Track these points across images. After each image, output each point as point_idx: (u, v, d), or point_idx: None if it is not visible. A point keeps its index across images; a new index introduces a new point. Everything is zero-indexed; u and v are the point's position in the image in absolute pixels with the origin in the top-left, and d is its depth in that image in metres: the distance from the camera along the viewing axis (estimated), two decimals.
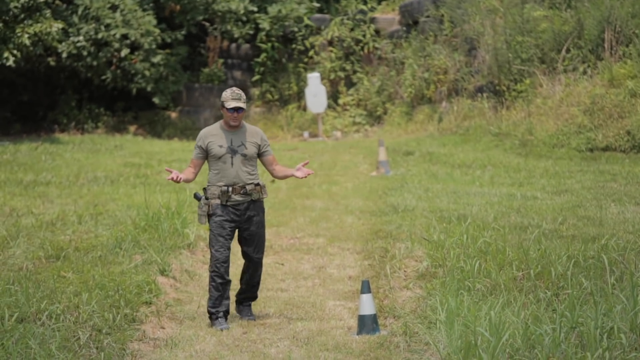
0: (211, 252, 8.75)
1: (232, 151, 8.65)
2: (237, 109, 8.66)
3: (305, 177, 9.01)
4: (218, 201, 8.63)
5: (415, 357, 7.45)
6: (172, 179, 8.58)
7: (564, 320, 7.09)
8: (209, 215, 8.68)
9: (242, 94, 8.81)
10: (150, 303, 9.03)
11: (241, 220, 8.67)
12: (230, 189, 8.62)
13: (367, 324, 8.29)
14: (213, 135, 8.71)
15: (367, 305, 8.31)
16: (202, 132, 8.81)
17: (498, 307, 7.56)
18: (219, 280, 8.73)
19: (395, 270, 10.08)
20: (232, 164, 8.64)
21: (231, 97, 8.66)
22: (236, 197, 8.64)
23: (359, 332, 8.31)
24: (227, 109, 8.65)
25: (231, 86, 27.31)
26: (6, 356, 7.03)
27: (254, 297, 9.01)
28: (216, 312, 8.75)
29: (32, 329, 7.57)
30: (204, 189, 8.77)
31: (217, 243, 8.66)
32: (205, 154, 8.71)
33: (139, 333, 8.20)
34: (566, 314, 7.21)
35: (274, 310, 9.32)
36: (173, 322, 8.83)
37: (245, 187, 8.65)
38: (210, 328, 8.66)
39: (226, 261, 8.72)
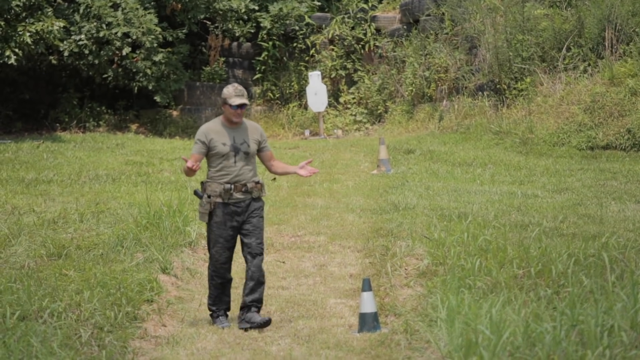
0: (210, 252, 8.68)
1: (236, 149, 8.55)
2: (241, 106, 8.59)
3: (310, 175, 8.93)
4: (219, 199, 8.54)
5: (416, 354, 7.47)
6: (190, 167, 8.43)
7: (564, 318, 7.10)
8: (210, 214, 8.60)
9: (244, 89, 8.74)
10: (152, 301, 9.05)
11: (242, 219, 8.59)
12: (232, 186, 8.55)
13: (368, 321, 8.31)
14: (215, 132, 8.58)
15: (368, 303, 8.33)
16: (204, 127, 8.65)
17: (499, 305, 7.57)
18: (219, 280, 8.70)
19: (396, 268, 10.10)
20: (235, 161, 8.55)
21: (234, 93, 8.56)
22: (238, 195, 8.55)
23: (360, 330, 8.33)
24: (230, 105, 8.56)
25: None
26: (8, 354, 7.05)
27: (261, 301, 8.68)
28: (217, 309, 8.74)
29: (33, 327, 7.59)
30: (202, 183, 8.66)
31: (217, 244, 8.60)
32: (207, 150, 8.59)
33: (141, 331, 8.22)
34: (567, 312, 7.22)
35: (275, 308, 9.34)
36: (174, 320, 8.85)
37: (246, 185, 8.59)
38: (211, 326, 8.68)
39: (227, 262, 8.66)
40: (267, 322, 8.56)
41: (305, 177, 8.91)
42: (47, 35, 22.08)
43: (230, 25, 26.95)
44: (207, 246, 8.83)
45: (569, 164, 17.83)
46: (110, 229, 11.60)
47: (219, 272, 8.67)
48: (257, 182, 8.65)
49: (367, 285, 8.37)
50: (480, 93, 23.02)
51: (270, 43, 27.26)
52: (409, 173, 17.40)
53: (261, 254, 8.66)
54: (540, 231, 10.86)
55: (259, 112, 26.90)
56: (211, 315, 8.78)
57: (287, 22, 27.15)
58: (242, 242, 8.67)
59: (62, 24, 22.50)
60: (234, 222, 8.58)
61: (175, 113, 26.76)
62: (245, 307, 8.63)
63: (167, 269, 10.26)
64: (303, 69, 27.35)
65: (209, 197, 8.56)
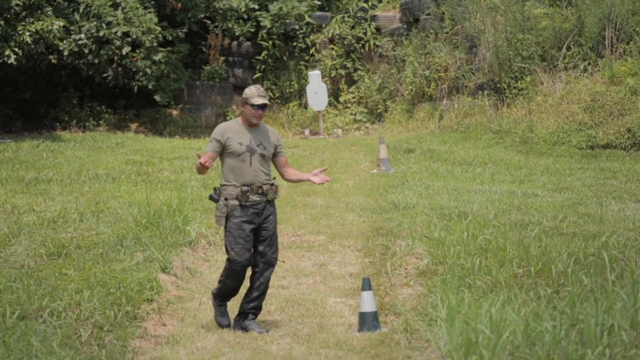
0: (229, 254, 8.43)
1: (251, 150, 8.45)
2: (262, 106, 8.50)
3: (323, 183, 8.85)
4: (236, 202, 8.40)
5: (416, 354, 7.47)
6: (202, 163, 8.29)
7: (564, 318, 7.10)
8: (226, 217, 8.45)
9: (265, 91, 8.66)
10: (152, 300, 9.05)
11: (259, 221, 8.48)
12: (249, 188, 8.43)
13: (367, 321, 8.31)
14: (232, 131, 8.48)
15: (367, 302, 8.33)
16: (221, 126, 8.55)
17: (498, 305, 7.57)
18: (236, 284, 8.53)
19: (396, 268, 10.10)
20: (250, 163, 8.44)
21: (257, 93, 8.46)
22: (254, 197, 8.42)
23: (360, 329, 8.33)
24: (252, 105, 8.45)
25: (232, 84, 27.38)
26: (8, 353, 7.05)
27: (260, 308, 8.66)
28: (221, 302, 8.64)
29: (33, 326, 7.60)
30: (216, 189, 8.52)
31: (237, 245, 8.41)
32: (222, 149, 8.48)
33: (140, 330, 8.22)
34: (566, 311, 7.22)
35: (275, 307, 9.34)
36: (174, 320, 8.85)
37: (262, 187, 8.47)
38: (211, 325, 8.67)
39: (247, 264, 8.48)
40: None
41: (318, 184, 8.82)
42: (47, 35, 22.08)
43: (230, 25, 26.94)
44: (225, 250, 8.56)
45: (569, 163, 17.83)
46: (110, 228, 11.60)
47: (238, 274, 8.47)
48: (272, 184, 8.58)
49: (367, 285, 8.37)
50: (480, 92, 23.02)
51: (270, 42, 27.25)
52: (409, 172, 17.40)
53: (274, 265, 8.62)
54: (540, 230, 10.86)
55: None
56: (214, 305, 8.65)
57: (287, 21, 27.15)
58: (256, 249, 8.55)
59: (61, 24, 22.49)
60: (251, 223, 8.44)
61: (175, 112, 26.76)
62: (243, 314, 8.60)
63: (167, 268, 10.25)
64: (303, 68, 27.34)
65: (225, 199, 8.44)
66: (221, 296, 8.66)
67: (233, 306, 8.96)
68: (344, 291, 9.92)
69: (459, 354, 6.89)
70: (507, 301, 7.93)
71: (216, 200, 8.49)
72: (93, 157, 19.00)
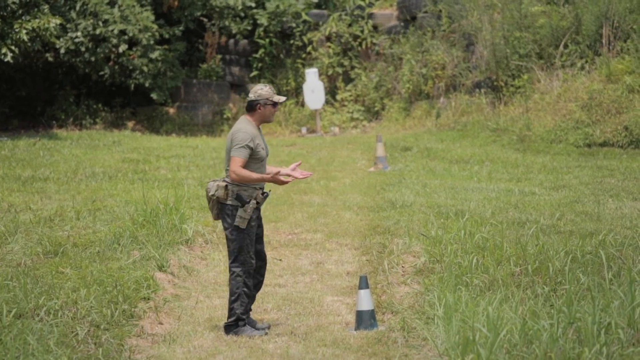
0: (244, 258, 8.28)
1: (268, 154, 8.45)
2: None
3: (304, 178, 8.72)
4: (255, 205, 8.30)
5: (413, 352, 7.47)
6: (287, 181, 8.31)
7: (561, 316, 7.11)
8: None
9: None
10: (149, 299, 9.04)
11: (258, 222, 8.47)
12: (267, 192, 8.37)
13: (365, 319, 8.31)
14: (256, 135, 8.28)
15: (365, 300, 8.33)
16: (248, 131, 8.23)
17: (496, 303, 7.58)
18: (250, 282, 8.38)
19: (393, 266, 10.10)
20: (265, 166, 8.42)
21: (273, 91, 8.32)
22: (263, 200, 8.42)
23: (357, 328, 8.33)
24: (275, 104, 8.31)
25: (229, 82, 27.38)
26: (4, 352, 7.04)
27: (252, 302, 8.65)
28: (247, 317, 8.41)
29: (30, 325, 7.59)
30: (227, 186, 8.28)
31: (252, 249, 8.33)
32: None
33: (137, 329, 8.21)
34: (564, 310, 7.22)
35: (272, 305, 9.33)
36: (171, 318, 8.84)
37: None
38: (208, 323, 8.66)
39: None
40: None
41: (299, 178, 8.70)
42: (44, 33, 22.04)
43: (227, 23, 26.92)
44: (239, 250, 8.29)
45: (566, 161, 17.83)
46: (106, 226, 11.59)
47: (251, 277, 8.37)
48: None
49: (364, 283, 8.36)
50: (477, 90, 23.02)
51: (267, 40, 27.23)
52: (406, 170, 17.39)
53: (267, 262, 8.65)
54: (537, 228, 10.86)
55: None
56: (237, 323, 8.34)
57: (284, 19, 27.12)
58: (255, 248, 8.47)
59: (58, 21, 22.45)
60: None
61: (171, 110, 26.73)
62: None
63: (164, 266, 10.24)
64: (300, 66, 27.32)
65: (256, 202, 8.31)
66: (245, 308, 8.35)
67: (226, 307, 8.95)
68: (341, 289, 9.92)
69: (456, 352, 6.89)
70: (505, 299, 7.93)
71: (247, 202, 8.26)
72: (90, 155, 18.98)
